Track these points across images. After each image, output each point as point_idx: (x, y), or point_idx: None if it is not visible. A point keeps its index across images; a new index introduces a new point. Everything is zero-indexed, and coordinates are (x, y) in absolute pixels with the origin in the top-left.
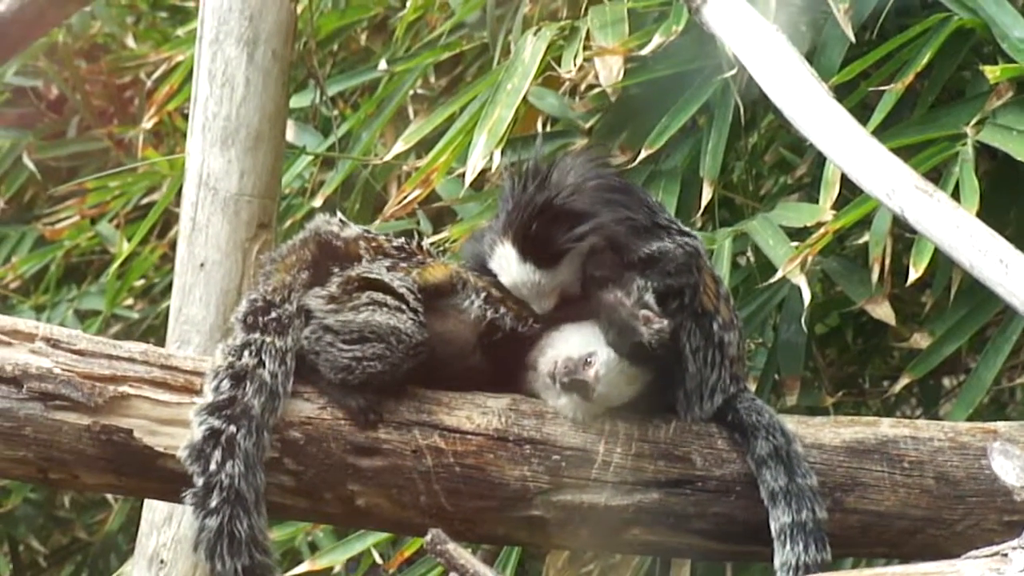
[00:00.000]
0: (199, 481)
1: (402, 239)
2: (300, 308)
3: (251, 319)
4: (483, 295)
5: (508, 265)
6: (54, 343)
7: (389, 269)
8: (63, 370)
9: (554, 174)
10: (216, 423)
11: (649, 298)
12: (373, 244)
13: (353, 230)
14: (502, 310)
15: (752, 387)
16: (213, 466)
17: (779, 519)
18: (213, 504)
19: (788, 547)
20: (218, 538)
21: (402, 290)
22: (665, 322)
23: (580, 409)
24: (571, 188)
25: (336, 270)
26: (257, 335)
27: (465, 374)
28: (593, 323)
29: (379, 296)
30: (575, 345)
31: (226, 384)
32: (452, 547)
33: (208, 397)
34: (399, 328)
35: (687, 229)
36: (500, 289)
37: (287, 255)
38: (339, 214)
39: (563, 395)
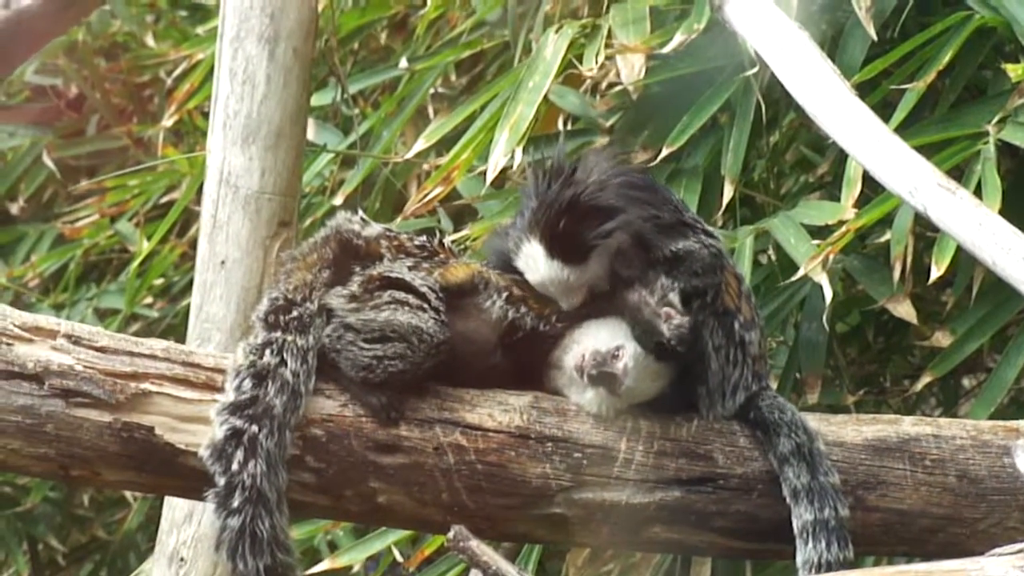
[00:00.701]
0: (221, 481)
1: (424, 237)
2: (321, 307)
3: (272, 318)
4: (504, 294)
5: (535, 263)
6: (76, 340)
7: (411, 268)
8: (85, 367)
9: (579, 171)
10: (238, 423)
11: (673, 297)
12: (395, 243)
13: (374, 229)
14: (523, 309)
15: (773, 385)
16: (235, 466)
17: (801, 516)
18: (235, 504)
19: (810, 545)
20: (240, 538)
21: (424, 289)
22: (686, 318)
23: (606, 403)
24: (597, 185)
25: (357, 269)
26: (278, 334)
27: (486, 373)
28: (619, 319)
29: (401, 295)
30: (603, 339)
31: (248, 383)
32: (475, 543)
33: (230, 396)
34: (420, 328)
35: (711, 229)
36: (522, 287)
37: (308, 253)
38: (360, 212)
39: (589, 389)
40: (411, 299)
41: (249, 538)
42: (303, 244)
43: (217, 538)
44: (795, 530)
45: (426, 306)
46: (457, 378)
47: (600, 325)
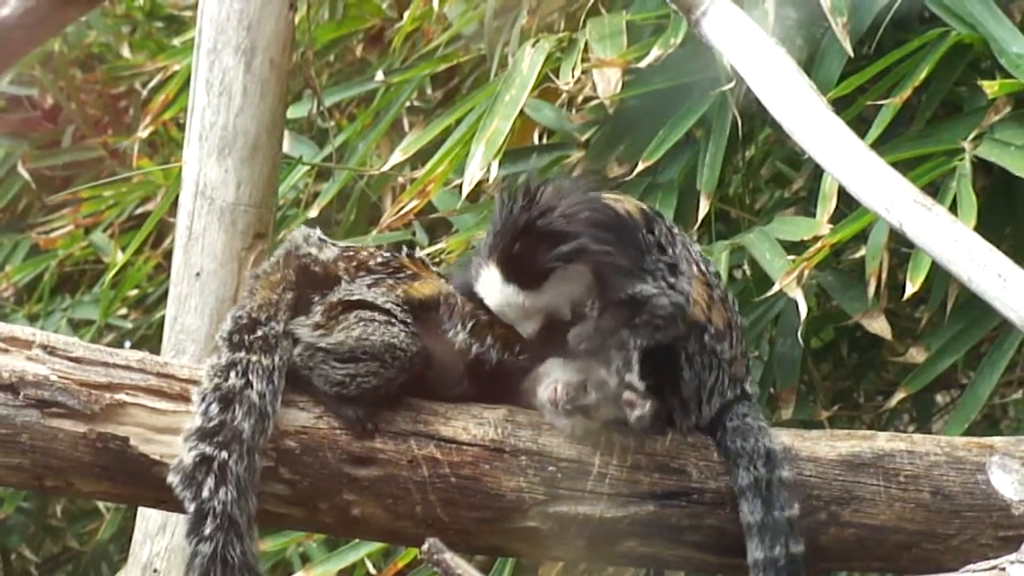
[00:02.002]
0: (191, 507)
1: (388, 253)
2: (288, 332)
3: (236, 337)
4: (469, 325)
5: (492, 287)
6: (51, 350)
7: (370, 287)
8: (60, 377)
9: (543, 195)
10: (207, 449)
11: (633, 378)
12: (353, 263)
13: (331, 251)
14: (488, 341)
15: (755, 388)
16: (206, 493)
17: (752, 553)
18: (207, 531)
19: None
20: (211, 564)
21: (388, 306)
22: (647, 405)
23: (580, 427)
24: (559, 212)
25: (316, 298)
26: (243, 354)
27: (455, 398)
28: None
29: (366, 314)
30: (572, 370)
31: (215, 408)
32: (449, 556)
33: (196, 421)
34: (393, 343)
35: (675, 276)
36: (488, 315)
37: (271, 272)
38: (317, 230)
39: (563, 418)
40: (377, 316)
41: (220, 564)
42: (264, 263)
43: (188, 564)
44: (748, 562)
45: (394, 320)
46: (427, 397)
47: (553, 363)
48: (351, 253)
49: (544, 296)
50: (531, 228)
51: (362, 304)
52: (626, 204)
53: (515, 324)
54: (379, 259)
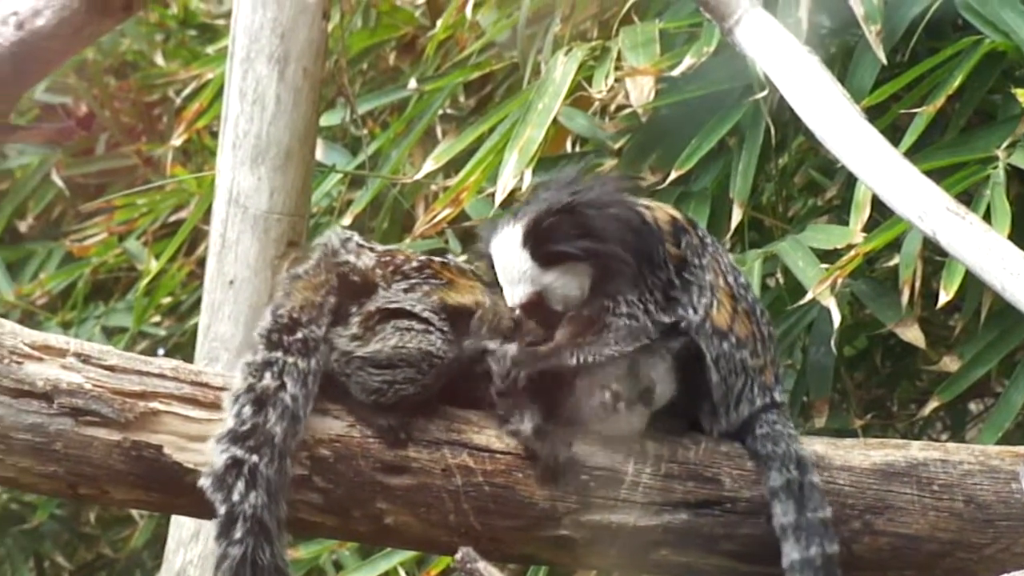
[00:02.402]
0: (221, 510)
1: (424, 258)
2: (326, 339)
3: (276, 336)
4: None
5: (508, 244)
6: (85, 359)
7: (407, 291)
8: (94, 386)
9: (590, 187)
10: (238, 452)
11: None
12: (390, 268)
13: (368, 257)
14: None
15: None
16: (236, 496)
17: (788, 555)
18: (237, 535)
19: None
20: (241, 567)
21: (425, 314)
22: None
23: (637, 418)
24: (598, 208)
25: (354, 309)
26: (280, 354)
27: (486, 404)
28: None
29: (404, 323)
30: (614, 366)
31: (248, 410)
32: (482, 565)
33: (229, 423)
34: (430, 351)
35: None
36: (513, 324)
37: (313, 275)
38: (355, 235)
39: (624, 412)
40: (415, 324)
41: (251, 567)
42: (303, 264)
43: (217, 566)
44: (784, 566)
45: (431, 327)
46: (458, 402)
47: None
48: (388, 258)
49: (548, 276)
50: (569, 211)
51: (399, 313)
52: (657, 213)
53: (508, 285)
54: (415, 263)
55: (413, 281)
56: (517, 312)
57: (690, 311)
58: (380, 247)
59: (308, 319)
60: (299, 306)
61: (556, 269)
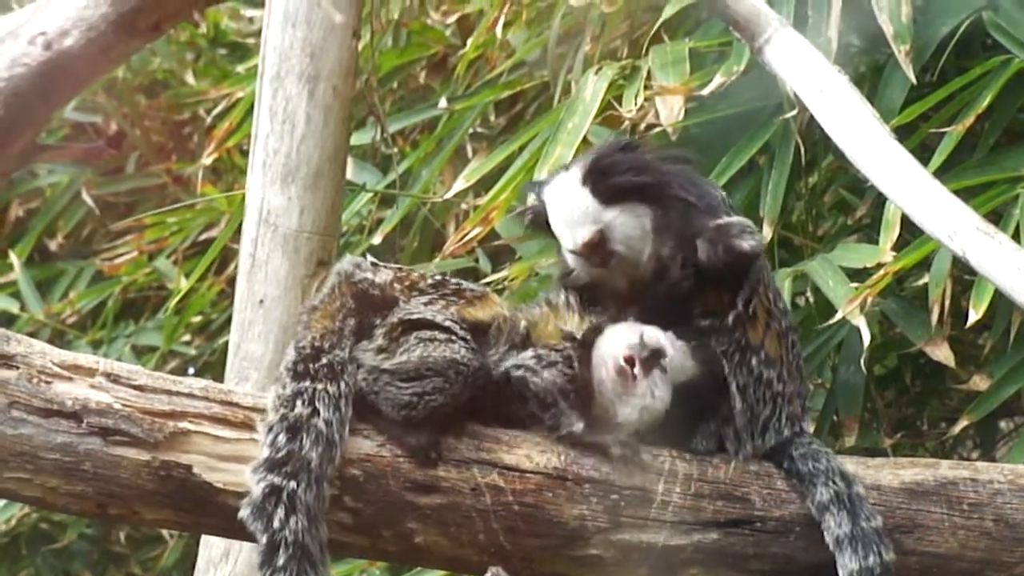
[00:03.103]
0: (263, 539)
1: (439, 276)
2: (352, 358)
3: (301, 367)
4: (512, 347)
5: (566, 185)
6: (114, 378)
7: (426, 304)
8: (123, 405)
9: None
10: (276, 480)
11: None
12: (407, 283)
13: (385, 273)
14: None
15: (811, 428)
16: (276, 523)
17: (847, 566)
18: (280, 562)
19: None
20: None
21: (447, 323)
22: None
23: (659, 388)
24: (659, 158)
25: (377, 322)
26: (308, 383)
27: (514, 419)
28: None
29: (427, 333)
30: (620, 339)
31: (282, 438)
32: None
33: (264, 453)
34: (455, 359)
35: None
36: (528, 337)
37: (328, 302)
38: (368, 257)
39: (641, 383)
40: (438, 334)
41: None
42: (316, 294)
43: None
44: None
45: (455, 336)
46: (488, 419)
47: (607, 336)
48: (403, 274)
49: (610, 213)
50: (631, 151)
51: (422, 324)
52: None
53: (567, 228)
54: (430, 281)
55: (431, 296)
56: (579, 251)
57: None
58: (393, 266)
59: (330, 345)
60: (320, 335)
61: (618, 206)
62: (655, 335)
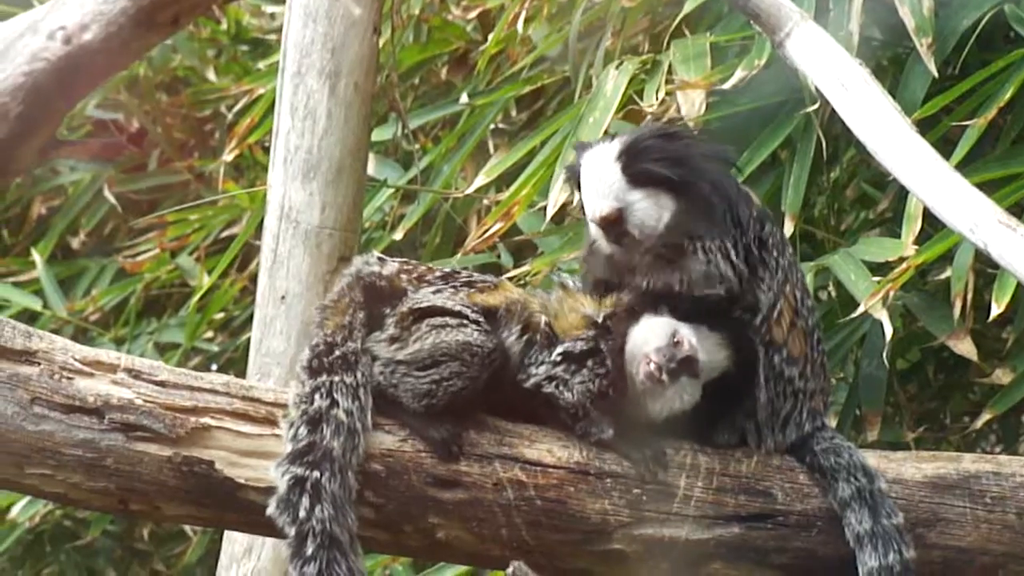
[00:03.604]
0: (291, 531)
1: (448, 269)
2: (365, 350)
3: (316, 363)
4: (523, 328)
5: (601, 155)
6: (136, 374)
7: (436, 293)
8: (145, 401)
9: (693, 133)
10: (299, 471)
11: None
12: (414, 275)
13: (392, 265)
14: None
15: (833, 422)
16: (303, 513)
17: (866, 564)
18: (309, 552)
19: None
20: None
21: (457, 307)
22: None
23: (688, 391)
24: (700, 151)
25: (388, 311)
26: (325, 377)
27: (523, 406)
28: (651, 315)
29: (438, 320)
30: (654, 337)
31: (303, 431)
32: None
33: (287, 447)
34: (469, 342)
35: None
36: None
37: (338, 300)
38: (374, 252)
39: (670, 386)
40: (449, 320)
41: None
42: (329, 293)
43: None
44: (861, 575)
45: (466, 321)
46: (500, 408)
47: (641, 331)
48: (410, 267)
49: (634, 194)
50: (672, 140)
51: (433, 311)
52: (751, 193)
53: (592, 197)
54: (438, 273)
55: (439, 286)
56: (597, 222)
57: (760, 294)
58: (400, 260)
59: (343, 338)
60: (331, 331)
61: (643, 190)
62: (688, 337)
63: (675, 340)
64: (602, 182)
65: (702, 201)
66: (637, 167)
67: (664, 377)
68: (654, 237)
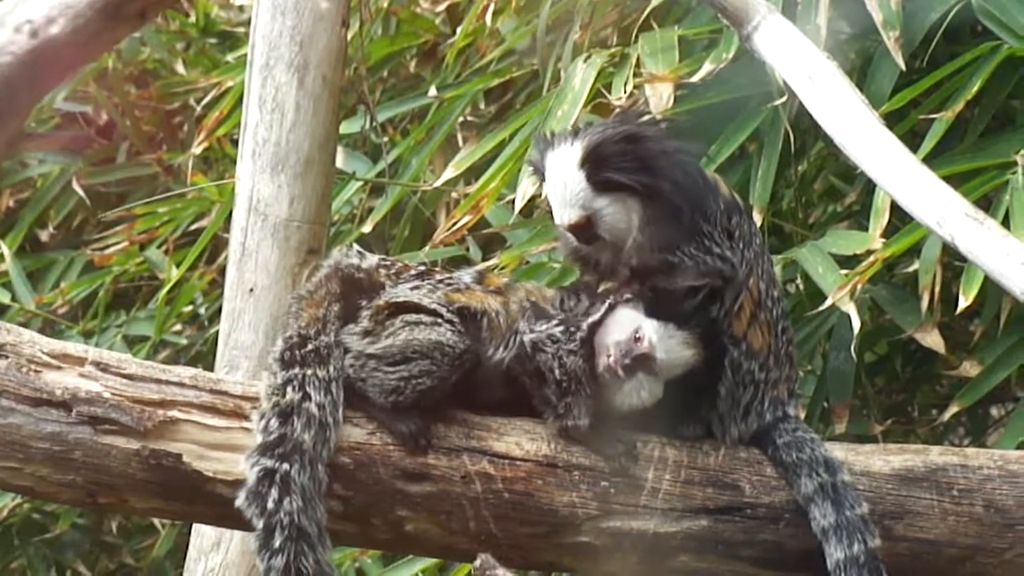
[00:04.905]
0: (259, 524)
1: (423, 266)
2: (338, 342)
3: (288, 355)
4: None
5: (564, 162)
6: (104, 367)
7: (414, 289)
8: (112, 394)
9: (660, 128)
10: (269, 463)
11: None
12: (393, 271)
13: (371, 259)
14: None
15: (801, 415)
16: (271, 505)
17: (832, 555)
18: (277, 544)
19: None
20: None
21: (433, 306)
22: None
23: (646, 387)
24: (662, 148)
25: (363, 303)
26: (297, 370)
27: (499, 404)
28: (623, 308)
29: (412, 317)
30: (617, 331)
31: (274, 423)
32: (501, 572)
33: (257, 439)
34: (441, 341)
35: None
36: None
37: (314, 291)
38: (355, 246)
39: (627, 381)
40: (424, 317)
41: None
42: (307, 283)
43: None
44: (828, 567)
45: (440, 320)
46: (477, 405)
47: (609, 323)
48: (389, 262)
49: (600, 201)
50: (633, 142)
51: (408, 307)
52: (720, 183)
53: (558, 205)
54: (414, 271)
55: (417, 283)
56: (566, 230)
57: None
58: (379, 255)
59: (316, 332)
60: (306, 323)
61: (608, 196)
62: (650, 334)
63: (636, 336)
64: (567, 190)
65: (667, 202)
66: (601, 176)
67: (620, 372)
68: (627, 239)
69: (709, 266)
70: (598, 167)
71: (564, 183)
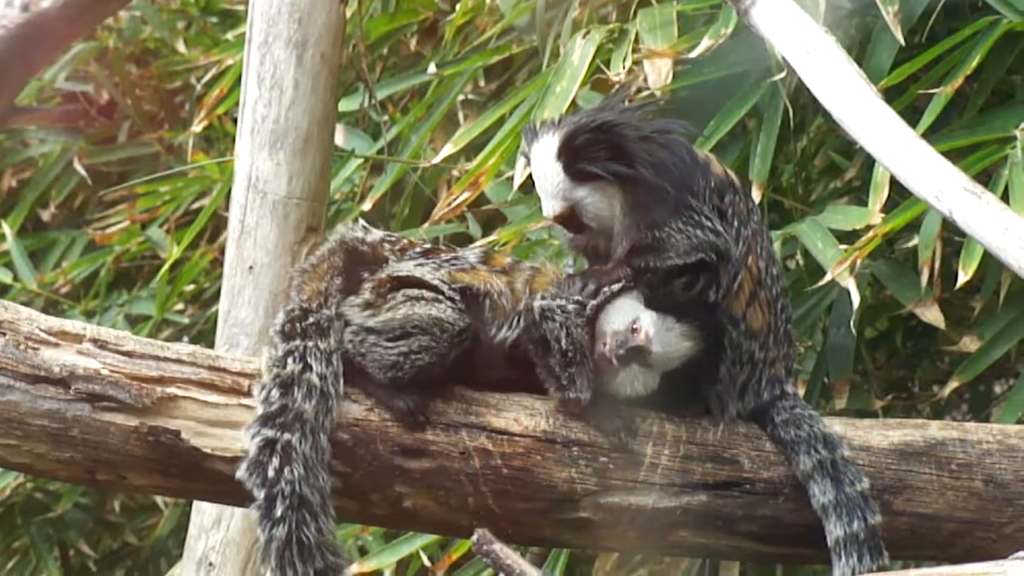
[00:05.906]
0: (260, 494)
1: (431, 245)
2: (339, 315)
3: (289, 327)
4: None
5: (543, 154)
6: (102, 344)
7: (418, 265)
8: (111, 371)
9: (637, 112)
10: (270, 433)
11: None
12: (397, 247)
13: (376, 234)
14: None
15: (801, 391)
16: (272, 474)
17: (832, 533)
18: (278, 513)
19: (843, 560)
20: (287, 546)
21: (435, 282)
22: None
23: (640, 378)
24: (640, 133)
25: (366, 275)
26: (298, 341)
27: (498, 383)
28: (625, 297)
29: (414, 292)
30: (616, 320)
31: (275, 394)
32: (499, 547)
33: (258, 410)
34: (441, 318)
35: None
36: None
37: (318, 264)
38: (360, 220)
39: (622, 370)
40: (425, 293)
41: (296, 545)
42: (311, 256)
43: (264, 551)
44: (829, 544)
45: (441, 297)
46: (471, 380)
47: (609, 310)
48: (394, 238)
49: (579, 191)
50: (605, 130)
51: (411, 281)
52: (712, 161)
53: (543, 196)
54: (419, 249)
55: (422, 259)
56: (553, 220)
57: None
58: (385, 231)
59: (318, 305)
60: (308, 296)
61: (587, 185)
62: (647, 327)
63: (633, 328)
64: (548, 181)
65: (648, 184)
66: (575, 167)
67: (614, 361)
68: (613, 224)
69: (700, 239)
70: (572, 158)
71: (545, 175)
